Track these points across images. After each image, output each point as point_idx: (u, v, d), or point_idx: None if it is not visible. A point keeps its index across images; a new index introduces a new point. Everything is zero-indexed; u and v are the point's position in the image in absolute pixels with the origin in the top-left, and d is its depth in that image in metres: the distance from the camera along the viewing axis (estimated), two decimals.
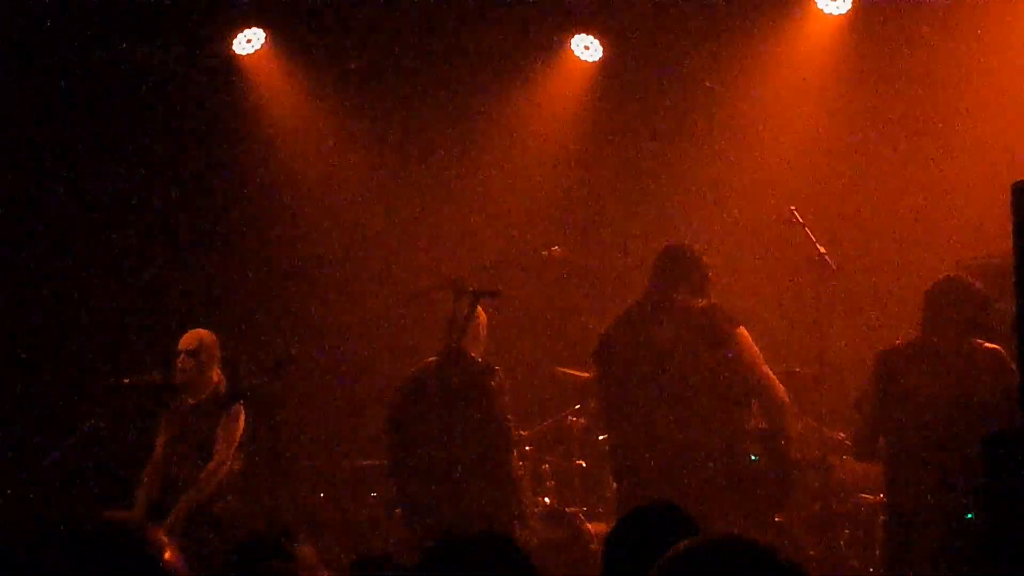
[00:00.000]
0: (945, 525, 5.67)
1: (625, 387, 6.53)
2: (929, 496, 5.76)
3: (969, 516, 5.55)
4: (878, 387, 6.05)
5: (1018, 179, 3.77)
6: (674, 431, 6.34)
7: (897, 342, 6.15)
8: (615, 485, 6.87)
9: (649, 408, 6.42)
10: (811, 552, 7.16)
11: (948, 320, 5.95)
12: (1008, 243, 3.77)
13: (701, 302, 6.54)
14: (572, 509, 7.90)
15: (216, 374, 7.31)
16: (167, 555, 2.20)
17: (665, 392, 6.39)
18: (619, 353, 6.57)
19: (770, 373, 6.56)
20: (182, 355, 7.23)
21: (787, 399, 6.59)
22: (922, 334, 6.04)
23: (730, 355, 6.37)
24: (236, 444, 7.17)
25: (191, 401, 7.23)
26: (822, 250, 7.08)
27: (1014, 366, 5.71)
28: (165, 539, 2.24)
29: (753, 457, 6.56)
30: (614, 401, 6.64)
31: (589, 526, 7.76)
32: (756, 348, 6.55)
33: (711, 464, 6.32)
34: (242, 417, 7.20)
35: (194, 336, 7.28)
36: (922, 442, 5.84)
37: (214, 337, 7.34)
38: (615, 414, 6.65)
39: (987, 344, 5.88)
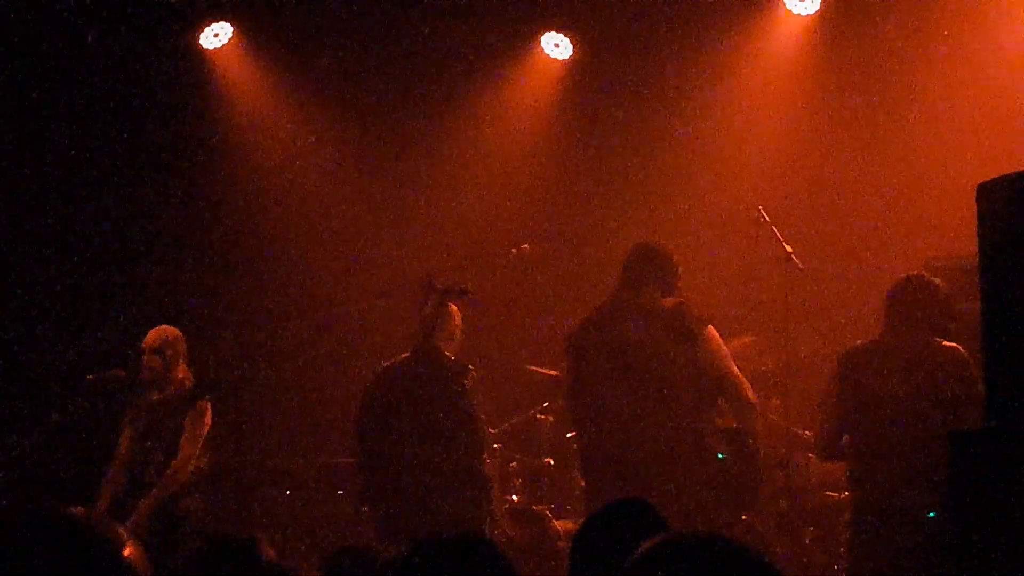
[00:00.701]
0: (909, 522, 5.70)
1: (594, 385, 6.53)
2: (893, 494, 5.79)
3: (932, 515, 5.58)
4: (839, 388, 6.07)
5: (983, 179, 3.79)
6: (643, 428, 6.34)
7: (858, 342, 6.18)
8: (583, 482, 6.87)
9: (618, 406, 6.42)
10: (777, 550, 7.19)
11: (909, 319, 5.97)
12: (974, 243, 3.78)
13: (670, 300, 6.54)
14: (540, 507, 7.91)
15: (182, 370, 7.26)
16: (127, 551, 2.19)
17: (634, 389, 6.39)
18: (589, 351, 6.57)
19: (738, 372, 6.57)
20: (147, 352, 7.19)
21: (755, 398, 6.61)
22: (883, 333, 6.06)
23: (699, 353, 6.38)
24: (202, 440, 7.13)
25: (156, 397, 7.19)
26: (789, 249, 7.10)
27: (974, 365, 5.76)
28: (125, 534, 2.22)
29: (720, 456, 6.58)
30: (582, 399, 6.63)
31: (557, 524, 7.77)
32: (724, 347, 6.57)
33: (679, 462, 6.33)
34: (208, 413, 7.17)
35: (159, 333, 7.23)
36: (884, 441, 5.87)
37: (179, 333, 7.29)
38: (583, 412, 6.64)
39: (946, 343, 5.91)
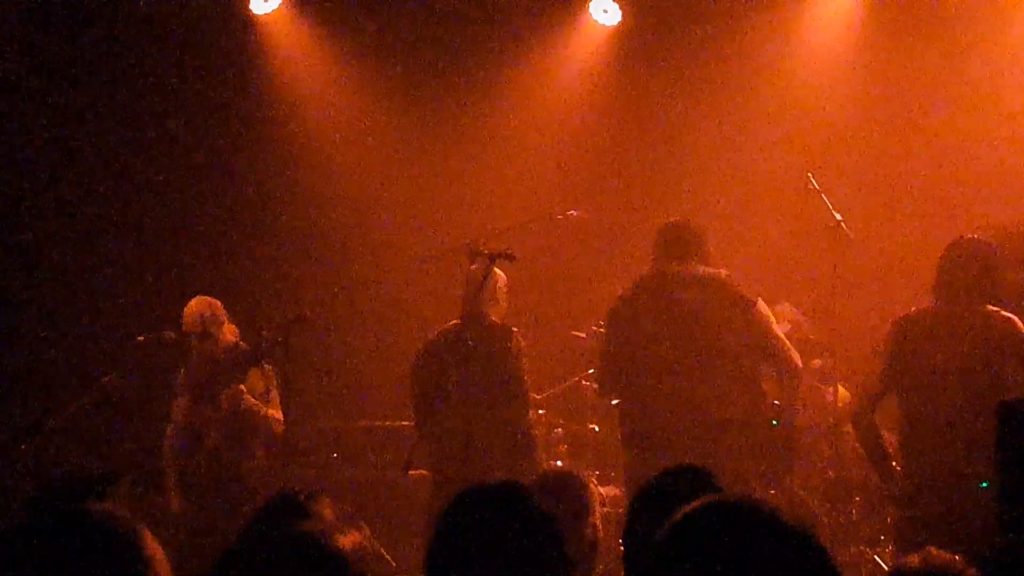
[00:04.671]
0: (958, 492, 5.65)
1: (644, 352, 6.52)
2: (942, 463, 5.75)
3: (984, 485, 5.54)
4: (890, 354, 6.01)
5: None
6: (699, 395, 6.35)
7: (912, 309, 6.12)
8: (625, 451, 6.86)
9: (672, 372, 6.41)
10: (824, 519, 7.18)
11: (957, 283, 5.89)
12: (1022, 212, 3.75)
13: (722, 270, 6.55)
14: (587, 473, 7.92)
15: (229, 332, 7.29)
16: (147, 548, 2.19)
17: (691, 356, 6.39)
18: (640, 319, 6.56)
19: (786, 340, 6.57)
20: (193, 339, 7.21)
21: (801, 366, 6.60)
22: (936, 301, 5.99)
23: (753, 320, 6.40)
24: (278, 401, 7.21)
25: (206, 360, 7.23)
26: (839, 218, 7.05)
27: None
28: (144, 531, 2.23)
29: (774, 423, 6.60)
30: (628, 366, 6.63)
31: (602, 490, 7.79)
32: (772, 315, 6.57)
33: (738, 427, 6.34)
34: (274, 375, 7.23)
35: (195, 315, 7.23)
36: (936, 410, 5.82)
37: (211, 301, 7.30)
38: (630, 379, 6.64)
39: (1003, 313, 5.84)
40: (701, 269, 6.52)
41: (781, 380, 6.62)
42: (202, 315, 7.20)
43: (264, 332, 7.10)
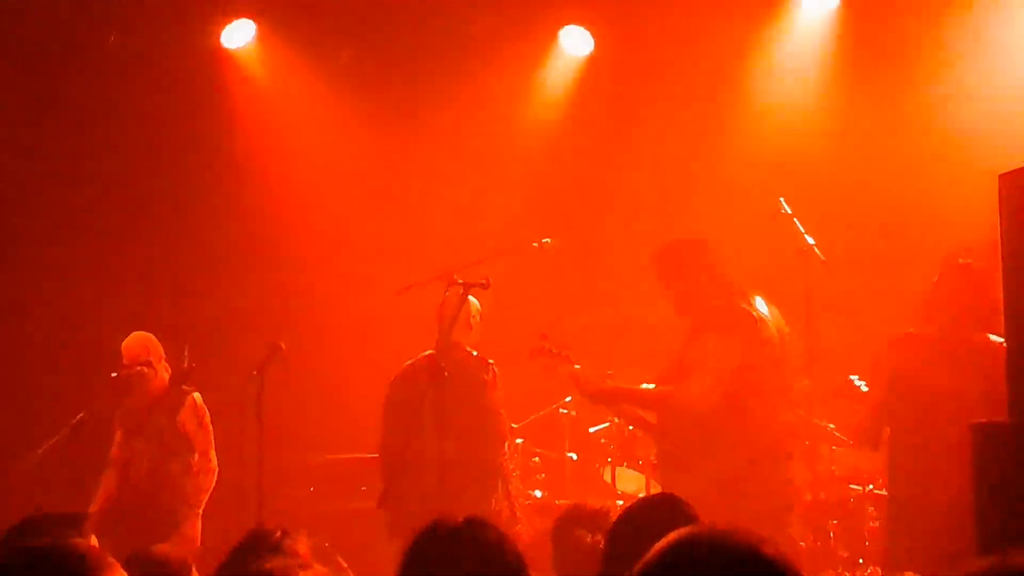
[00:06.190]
0: (945, 518, 5.61)
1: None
2: (930, 488, 5.72)
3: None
4: (888, 375, 5.96)
5: (1004, 170, 3.77)
6: None
7: (910, 329, 6.07)
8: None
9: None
10: (801, 543, 7.17)
11: (952, 310, 5.87)
12: (995, 234, 3.77)
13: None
14: (562, 502, 7.90)
15: (163, 368, 7.37)
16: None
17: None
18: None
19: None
20: (138, 369, 7.25)
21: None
22: (929, 323, 5.94)
23: None
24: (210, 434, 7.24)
25: (142, 398, 7.29)
26: (811, 241, 7.06)
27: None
28: (117, 566, 2.23)
29: None
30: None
31: None
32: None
33: None
34: (200, 404, 7.25)
35: (137, 348, 7.29)
36: (927, 435, 5.79)
37: (150, 336, 7.45)
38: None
39: (994, 338, 5.84)
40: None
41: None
42: (147, 347, 7.27)
43: (186, 353, 7.17)
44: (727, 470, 5.92)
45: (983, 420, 4.58)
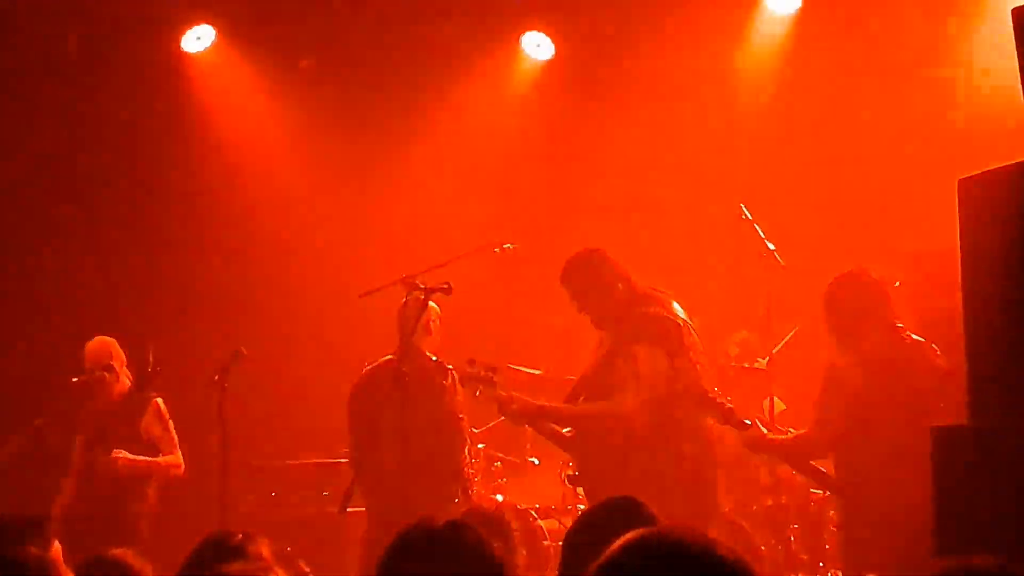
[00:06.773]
0: (892, 521, 5.66)
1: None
2: (877, 492, 5.76)
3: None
4: (824, 389, 6.02)
5: (964, 175, 3.81)
6: None
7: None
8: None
9: None
10: (762, 547, 7.21)
11: (849, 314, 5.93)
12: (954, 238, 3.80)
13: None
14: (524, 506, 7.91)
15: (125, 374, 7.34)
16: None
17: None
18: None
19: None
20: (100, 373, 7.22)
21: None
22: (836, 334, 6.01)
23: None
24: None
25: (103, 404, 7.25)
26: (771, 247, 7.10)
27: (941, 357, 5.77)
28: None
29: None
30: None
31: (541, 523, 7.78)
32: None
33: None
34: (164, 409, 7.23)
35: (99, 353, 7.26)
36: (860, 440, 5.84)
37: (111, 340, 7.40)
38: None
39: (912, 338, 5.91)
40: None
41: None
42: (109, 351, 7.23)
43: (151, 358, 7.14)
44: (653, 480, 5.84)
45: (944, 424, 4.63)
